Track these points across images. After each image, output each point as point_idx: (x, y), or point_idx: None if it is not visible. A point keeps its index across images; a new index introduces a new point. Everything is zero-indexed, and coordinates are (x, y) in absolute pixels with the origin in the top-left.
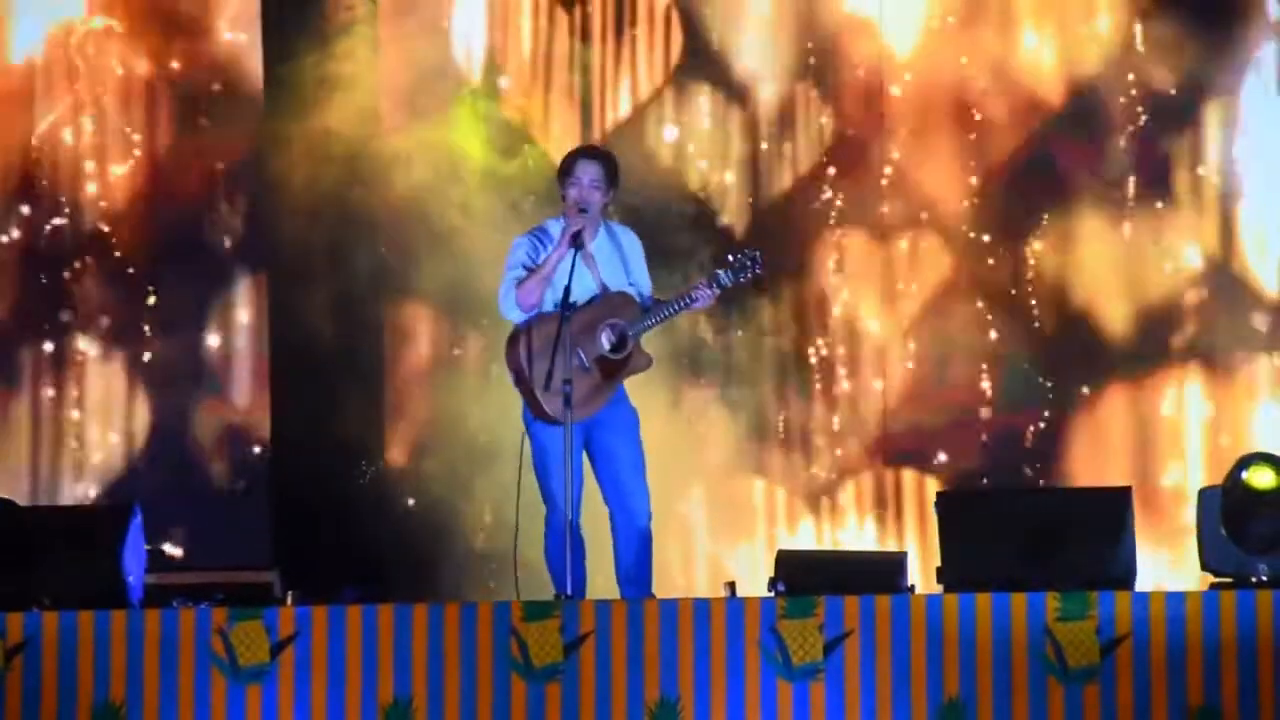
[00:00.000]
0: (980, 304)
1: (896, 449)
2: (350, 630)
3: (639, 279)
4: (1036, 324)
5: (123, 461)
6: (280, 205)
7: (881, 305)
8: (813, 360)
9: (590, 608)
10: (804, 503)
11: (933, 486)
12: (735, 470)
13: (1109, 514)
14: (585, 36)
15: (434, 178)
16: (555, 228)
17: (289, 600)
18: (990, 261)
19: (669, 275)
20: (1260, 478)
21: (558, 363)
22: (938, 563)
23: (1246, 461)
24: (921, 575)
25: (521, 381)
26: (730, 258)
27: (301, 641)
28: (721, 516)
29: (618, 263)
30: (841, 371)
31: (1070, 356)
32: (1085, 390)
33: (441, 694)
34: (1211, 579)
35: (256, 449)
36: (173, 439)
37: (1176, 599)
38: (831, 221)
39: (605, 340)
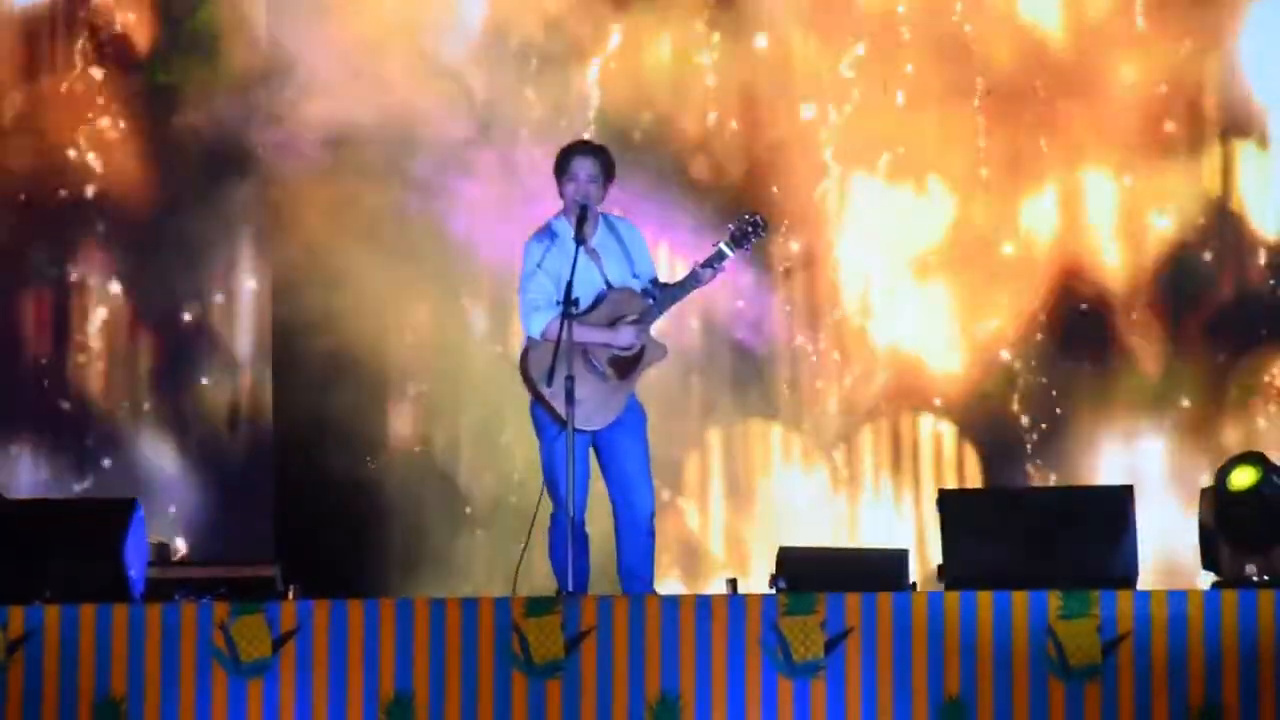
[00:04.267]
0: None
1: None
2: (352, 625)
3: (643, 269)
4: None
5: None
6: None
7: None
8: None
9: (592, 604)
10: None
11: None
12: None
13: (1111, 512)
14: None
15: None
16: (559, 225)
17: (291, 595)
18: None
19: None
20: (1241, 478)
21: (559, 362)
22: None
23: (1233, 462)
24: None
25: (538, 393)
26: (732, 226)
27: (303, 636)
28: None
29: (621, 256)
30: None
31: None
32: None
33: (443, 689)
34: (1213, 578)
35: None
36: None
37: (1178, 598)
38: None
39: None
